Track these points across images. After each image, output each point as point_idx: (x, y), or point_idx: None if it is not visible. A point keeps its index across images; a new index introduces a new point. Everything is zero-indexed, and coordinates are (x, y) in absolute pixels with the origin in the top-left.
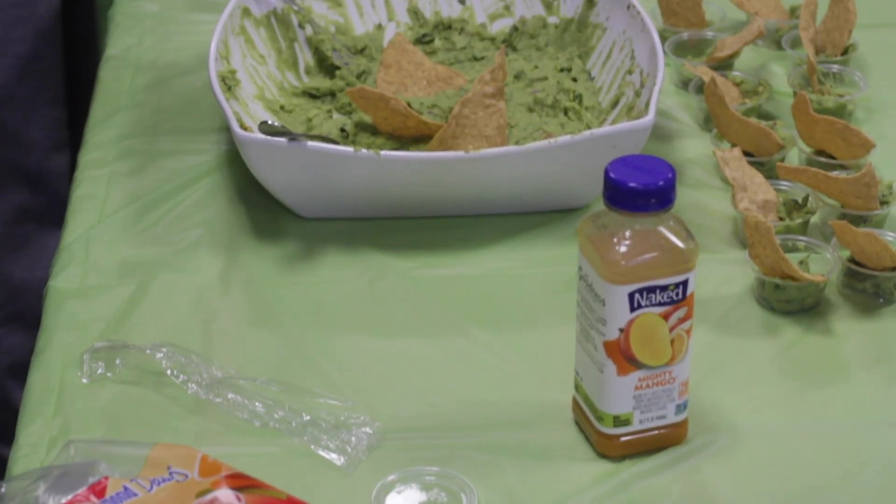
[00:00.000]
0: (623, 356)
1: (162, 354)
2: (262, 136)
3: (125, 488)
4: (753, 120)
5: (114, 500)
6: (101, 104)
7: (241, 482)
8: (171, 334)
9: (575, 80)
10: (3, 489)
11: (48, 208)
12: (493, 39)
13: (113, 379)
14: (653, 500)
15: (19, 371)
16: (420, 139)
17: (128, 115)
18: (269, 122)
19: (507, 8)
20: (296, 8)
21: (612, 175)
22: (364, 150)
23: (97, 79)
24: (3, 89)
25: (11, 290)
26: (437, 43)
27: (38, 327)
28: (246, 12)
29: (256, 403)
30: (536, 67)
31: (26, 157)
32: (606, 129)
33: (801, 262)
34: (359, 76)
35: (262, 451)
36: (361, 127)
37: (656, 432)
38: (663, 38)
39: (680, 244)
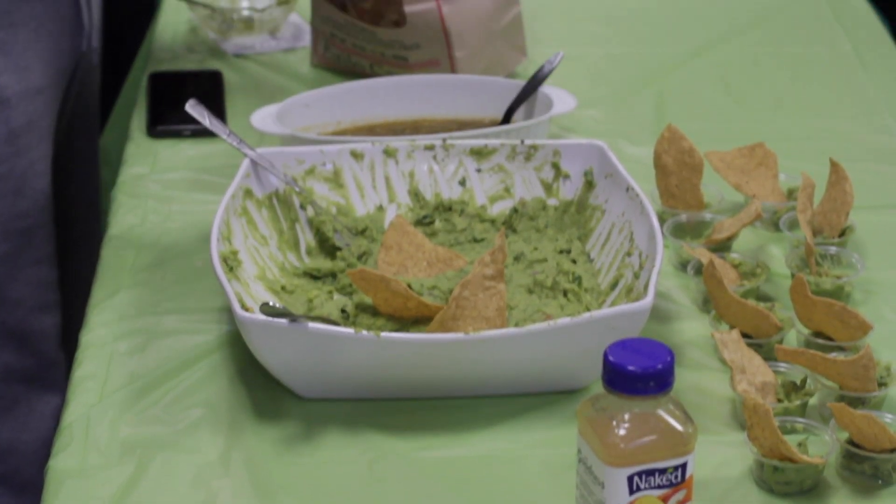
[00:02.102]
0: None
1: None
2: (264, 317)
3: None
4: (752, 302)
5: None
6: (102, 284)
7: None
8: None
9: (574, 261)
10: None
11: (36, 371)
12: (493, 221)
13: None
14: None
15: None
16: (420, 320)
17: (129, 294)
18: (271, 304)
19: (506, 190)
20: (297, 189)
21: (611, 358)
22: (364, 332)
23: (99, 258)
24: None
25: None
26: (438, 224)
27: (25, 491)
28: (248, 193)
29: None
30: (536, 249)
31: (10, 316)
32: (605, 311)
33: (799, 444)
34: (360, 257)
35: None
36: (362, 308)
37: None
38: (662, 220)
39: (679, 427)
